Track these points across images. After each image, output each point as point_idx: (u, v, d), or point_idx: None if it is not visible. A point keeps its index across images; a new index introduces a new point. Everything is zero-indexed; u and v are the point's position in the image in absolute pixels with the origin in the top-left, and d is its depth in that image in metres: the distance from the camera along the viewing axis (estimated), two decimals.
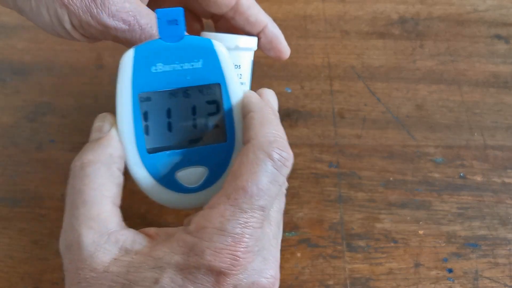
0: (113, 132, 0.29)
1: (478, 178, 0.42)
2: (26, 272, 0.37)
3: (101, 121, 0.30)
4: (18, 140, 0.44)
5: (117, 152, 0.29)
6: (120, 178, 0.29)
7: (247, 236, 0.26)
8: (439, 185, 0.42)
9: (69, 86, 0.47)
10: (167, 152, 0.30)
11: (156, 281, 0.25)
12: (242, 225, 0.26)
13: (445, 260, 0.38)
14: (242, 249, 0.26)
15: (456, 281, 0.37)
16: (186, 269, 0.25)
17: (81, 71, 0.48)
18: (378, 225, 0.40)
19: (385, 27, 0.52)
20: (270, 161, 0.27)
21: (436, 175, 0.42)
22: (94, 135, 0.30)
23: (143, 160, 0.29)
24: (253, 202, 0.26)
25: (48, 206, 0.40)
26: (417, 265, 0.38)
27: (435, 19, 0.52)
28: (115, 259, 0.26)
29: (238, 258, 0.26)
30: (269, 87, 0.48)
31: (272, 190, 0.27)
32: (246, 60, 0.35)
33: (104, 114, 0.30)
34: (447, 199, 0.41)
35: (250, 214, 0.26)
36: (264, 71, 0.48)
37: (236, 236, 0.26)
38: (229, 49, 0.31)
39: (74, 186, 0.28)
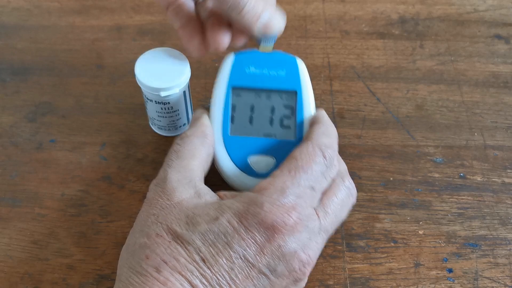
0: (205, 117, 0.37)
1: (478, 178, 0.42)
2: (26, 272, 0.37)
3: (196, 113, 0.37)
4: (18, 140, 0.44)
5: (208, 130, 0.36)
6: (210, 149, 0.36)
7: (299, 206, 0.31)
8: (439, 185, 0.42)
9: (69, 86, 0.47)
10: (245, 138, 0.36)
11: (216, 219, 0.30)
12: (297, 195, 0.31)
13: (445, 260, 0.38)
14: (295, 213, 0.31)
15: (456, 281, 0.37)
16: (243, 215, 0.30)
17: (81, 71, 0.48)
18: (378, 225, 0.40)
19: (385, 27, 0.52)
20: (323, 158, 0.33)
21: (436, 175, 0.42)
22: (191, 122, 0.37)
23: (225, 141, 0.36)
24: (307, 180, 0.32)
25: (48, 206, 0.40)
26: (417, 265, 0.38)
27: (435, 19, 0.52)
28: (189, 197, 0.32)
29: (290, 219, 0.30)
30: None
31: (321, 179, 0.33)
32: None
33: (198, 109, 0.37)
34: (447, 199, 0.41)
35: (303, 189, 0.32)
36: None
37: (292, 201, 0.31)
38: None
39: (173, 148, 0.35)
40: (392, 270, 0.38)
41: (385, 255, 0.38)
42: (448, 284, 0.37)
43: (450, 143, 0.44)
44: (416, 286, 0.37)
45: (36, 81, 0.48)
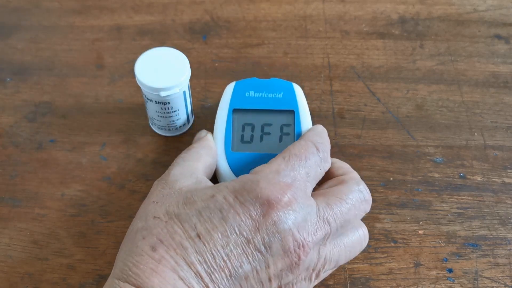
0: (209, 135, 0.39)
1: (478, 178, 0.42)
2: (26, 272, 0.37)
3: (200, 133, 0.39)
4: (18, 140, 0.44)
5: (213, 144, 0.38)
6: (214, 159, 0.38)
7: (294, 186, 0.32)
8: (439, 185, 0.42)
9: (69, 86, 0.47)
10: (246, 153, 0.38)
11: (212, 196, 0.31)
12: (292, 177, 0.32)
13: (445, 260, 0.38)
14: (289, 191, 0.31)
15: (456, 281, 0.37)
16: (239, 192, 0.31)
17: (81, 71, 0.48)
18: (378, 225, 0.40)
19: (385, 27, 0.52)
20: (317, 150, 0.35)
21: (436, 175, 0.42)
22: (195, 140, 0.39)
23: (227, 156, 0.38)
24: (301, 167, 0.33)
25: (48, 206, 0.40)
26: (417, 265, 0.38)
27: (435, 19, 0.52)
28: (190, 184, 0.33)
29: (285, 195, 0.31)
30: None
31: (315, 167, 0.34)
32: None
33: (202, 130, 0.40)
34: (447, 199, 0.41)
35: (298, 173, 0.33)
36: (264, 71, 0.48)
37: (287, 180, 0.32)
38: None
39: (180, 156, 0.37)
40: (392, 270, 0.38)
41: (385, 255, 0.38)
42: (448, 284, 0.37)
43: (450, 143, 0.44)
44: (416, 286, 0.37)
45: (36, 81, 0.48)
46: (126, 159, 0.43)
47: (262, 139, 0.39)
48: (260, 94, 0.40)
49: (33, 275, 0.37)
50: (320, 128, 0.38)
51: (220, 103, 0.40)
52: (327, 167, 0.36)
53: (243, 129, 0.39)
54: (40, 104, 0.46)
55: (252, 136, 0.39)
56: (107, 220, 0.40)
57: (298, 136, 0.39)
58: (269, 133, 0.39)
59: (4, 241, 0.39)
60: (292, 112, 0.39)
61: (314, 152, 0.34)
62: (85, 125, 0.45)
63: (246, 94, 0.40)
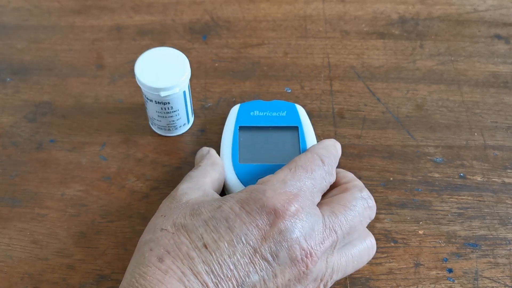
0: (213, 151, 0.39)
1: (478, 178, 0.42)
2: (26, 272, 0.37)
3: (202, 150, 0.40)
4: (18, 140, 0.44)
5: (218, 159, 0.39)
6: (222, 174, 0.38)
7: (300, 196, 0.32)
8: (439, 185, 0.42)
9: (69, 86, 0.47)
10: (254, 164, 0.39)
11: (219, 207, 0.31)
12: (298, 187, 0.33)
13: (445, 260, 0.38)
14: (296, 200, 0.31)
15: (456, 281, 0.37)
16: (246, 201, 0.31)
17: (81, 71, 0.48)
18: (378, 225, 0.40)
19: (385, 27, 0.52)
20: (322, 163, 0.35)
21: (436, 175, 0.42)
22: (198, 157, 0.39)
23: (235, 168, 0.39)
24: (307, 178, 0.33)
25: (48, 206, 0.40)
26: (417, 265, 0.38)
27: (435, 19, 0.52)
28: (197, 197, 0.34)
29: (291, 205, 0.31)
30: (269, 87, 0.48)
31: (320, 180, 0.34)
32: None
33: (203, 147, 0.40)
34: (447, 199, 0.41)
35: (303, 183, 0.33)
36: (264, 71, 0.48)
37: (293, 190, 0.32)
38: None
39: (187, 174, 0.37)
40: (392, 270, 0.38)
41: (385, 255, 0.38)
42: (448, 284, 0.37)
43: (450, 143, 0.44)
44: (416, 286, 0.37)
45: (36, 81, 0.48)
46: (126, 159, 0.43)
47: (268, 152, 0.40)
48: (265, 113, 0.42)
49: (33, 275, 0.37)
50: (328, 142, 0.38)
51: (226, 122, 0.41)
52: (332, 180, 0.36)
53: (249, 143, 0.40)
54: (40, 104, 0.46)
55: (258, 149, 0.40)
56: (107, 220, 0.40)
57: (304, 150, 0.39)
58: (274, 147, 0.40)
59: (4, 241, 0.39)
60: (296, 128, 0.41)
61: (319, 164, 0.35)
62: (85, 125, 0.45)
63: (251, 113, 0.42)
